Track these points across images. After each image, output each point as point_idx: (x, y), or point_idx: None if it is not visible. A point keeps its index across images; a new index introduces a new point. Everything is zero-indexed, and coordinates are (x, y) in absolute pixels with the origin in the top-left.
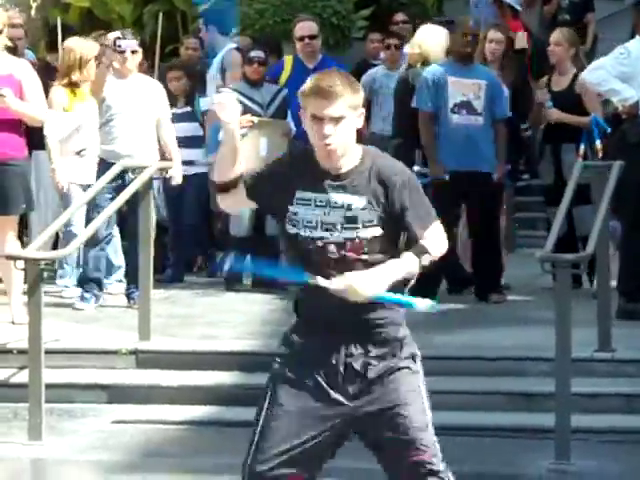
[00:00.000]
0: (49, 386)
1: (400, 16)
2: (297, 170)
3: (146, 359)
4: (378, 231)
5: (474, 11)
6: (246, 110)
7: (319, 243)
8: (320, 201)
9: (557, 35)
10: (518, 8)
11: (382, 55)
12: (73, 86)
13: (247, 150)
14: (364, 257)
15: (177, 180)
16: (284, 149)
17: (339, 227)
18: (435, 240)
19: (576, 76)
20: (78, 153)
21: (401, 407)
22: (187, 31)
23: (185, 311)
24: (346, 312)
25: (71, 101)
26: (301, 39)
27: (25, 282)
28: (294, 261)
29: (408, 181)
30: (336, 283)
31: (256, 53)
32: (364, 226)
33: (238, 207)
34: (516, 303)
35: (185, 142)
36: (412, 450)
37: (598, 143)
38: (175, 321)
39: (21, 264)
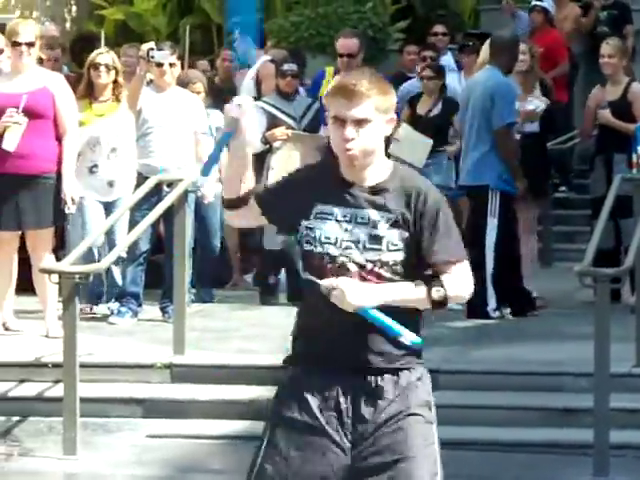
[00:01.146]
0: (84, 400)
1: (440, 28)
2: (317, 181)
3: (181, 373)
4: (400, 256)
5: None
6: (279, 123)
7: (338, 261)
8: (344, 216)
9: (610, 47)
10: (550, 9)
11: (418, 67)
12: (93, 99)
13: (281, 163)
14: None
15: (209, 198)
16: None
17: (361, 246)
18: (459, 280)
19: (629, 85)
20: (90, 170)
21: (408, 462)
22: (222, 43)
23: (220, 325)
24: (353, 347)
25: (88, 115)
26: (340, 56)
27: (60, 296)
28: (301, 286)
29: (442, 209)
30: (327, 282)
31: (289, 66)
32: (388, 249)
33: (248, 224)
34: (554, 318)
35: None
36: None
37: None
38: (210, 335)
39: (56, 278)
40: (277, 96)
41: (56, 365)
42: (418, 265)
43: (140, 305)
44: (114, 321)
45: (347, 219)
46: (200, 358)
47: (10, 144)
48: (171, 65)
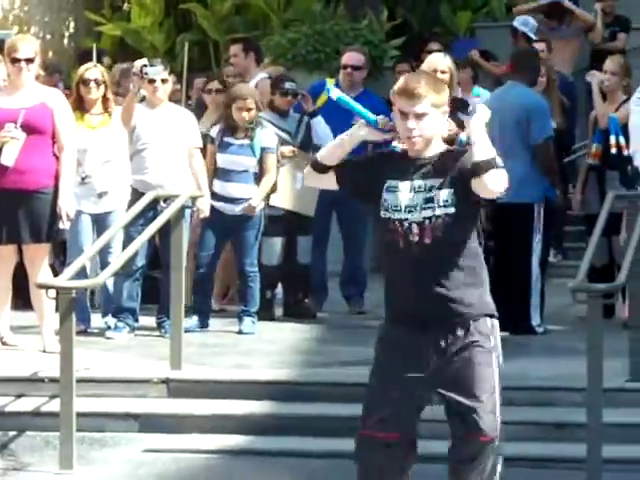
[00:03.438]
0: (80, 415)
1: (435, 45)
2: (386, 163)
3: (177, 388)
4: (452, 209)
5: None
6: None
7: (405, 224)
8: (405, 187)
9: (612, 64)
10: (532, 37)
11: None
12: (84, 112)
13: (283, 180)
14: (441, 237)
15: (205, 213)
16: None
17: (419, 208)
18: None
19: (622, 104)
20: (83, 180)
21: (469, 383)
22: (218, 61)
23: (216, 340)
24: (425, 302)
25: (80, 127)
26: (344, 67)
27: (57, 311)
28: (382, 249)
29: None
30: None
31: (290, 85)
32: (439, 205)
33: (320, 185)
34: (548, 333)
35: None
36: (470, 427)
37: (612, 139)
38: (207, 350)
39: (53, 293)
40: (272, 113)
41: (53, 380)
42: (468, 222)
43: (137, 320)
44: (111, 336)
45: (407, 189)
46: (197, 373)
47: (8, 159)
48: (163, 81)
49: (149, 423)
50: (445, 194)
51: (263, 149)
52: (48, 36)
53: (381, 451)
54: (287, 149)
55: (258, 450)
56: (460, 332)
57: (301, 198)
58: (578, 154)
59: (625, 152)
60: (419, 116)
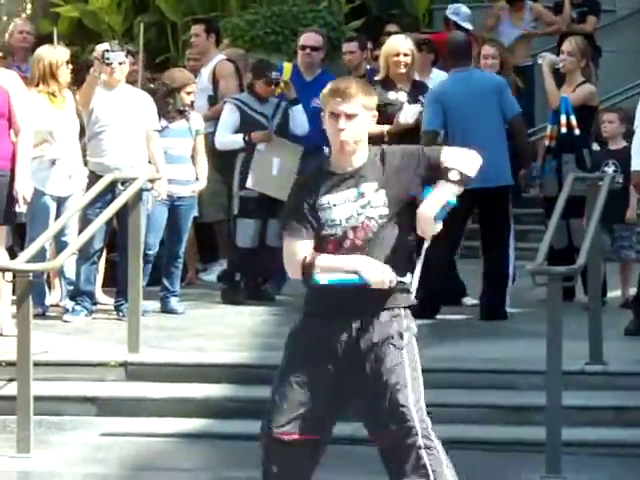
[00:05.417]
0: (38, 398)
1: (393, 27)
2: (315, 182)
3: (135, 371)
4: (385, 211)
5: None
6: (252, 122)
7: (339, 232)
8: (338, 200)
9: (571, 45)
10: (468, 27)
11: (368, 67)
12: (50, 95)
13: (260, 166)
14: (371, 238)
15: (162, 195)
16: (294, 173)
17: (355, 214)
18: (457, 156)
19: (579, 85)
20: (53, 163)
21: (384, 382)
22: (176, 43)
23: (175, 323)
24: (349, 300)
25: (48, 107)
26: (302, 48)
27: (14, 294)
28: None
29: (407, 147)
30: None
31: (276, 75)
32: (371, 207)
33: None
34: (508, 316)
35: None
36: (392, 426)
37: (563, 119)
38: (165, 333)
39: (10, 276)
40: (250, 95)
41: (10, 363)
42: (404, 223)
43: (95, 303)
44: (68, 319)
45: (342, 201)
46: (154, 356)
47: None
48: (120, 63)
49: (107, 407)
50: (379, 196)
51: (197, 131)
52: (4, 18)
53: (296, 452)
54: (263, 133)
55: (216, 433)
56: (374, 326)
57: (277, 183)
58: (537, 136)
59: (576, 132)
60: (350, 116)
